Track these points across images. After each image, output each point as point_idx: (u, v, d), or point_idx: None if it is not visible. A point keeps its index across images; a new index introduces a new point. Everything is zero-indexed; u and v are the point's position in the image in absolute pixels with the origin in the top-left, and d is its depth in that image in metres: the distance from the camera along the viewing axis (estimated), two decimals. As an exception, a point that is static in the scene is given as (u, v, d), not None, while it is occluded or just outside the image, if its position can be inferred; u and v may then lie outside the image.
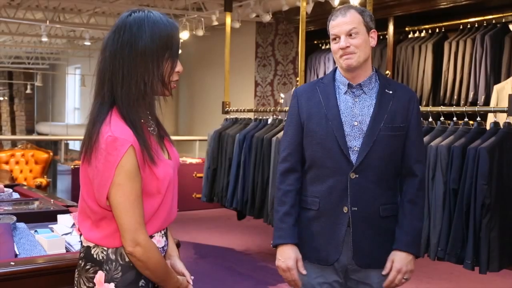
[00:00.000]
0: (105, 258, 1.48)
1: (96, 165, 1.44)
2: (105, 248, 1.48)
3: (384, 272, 1.94)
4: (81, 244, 1.57)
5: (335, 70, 2.04)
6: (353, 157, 1.92)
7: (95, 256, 1.49)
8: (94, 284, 1.48)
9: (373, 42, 1.97)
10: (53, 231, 2.29)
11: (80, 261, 1.54)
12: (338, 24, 1.93)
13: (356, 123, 1.93)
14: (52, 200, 3.02)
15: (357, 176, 1.91)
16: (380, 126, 1.92)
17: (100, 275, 1.48)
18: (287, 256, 1.97)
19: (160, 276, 1.52)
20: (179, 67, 1.53)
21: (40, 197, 3.19)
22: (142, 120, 1.50)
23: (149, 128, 1.52)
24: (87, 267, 1.51)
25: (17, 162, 6.62)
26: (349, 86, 1.97)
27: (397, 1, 5.79)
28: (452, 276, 4.44)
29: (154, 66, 1.46)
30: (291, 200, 2.00)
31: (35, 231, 2.26)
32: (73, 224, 2.32)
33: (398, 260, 1.93)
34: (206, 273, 4.56)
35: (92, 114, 1.49)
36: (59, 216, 2.40)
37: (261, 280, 4.36)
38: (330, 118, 1.94)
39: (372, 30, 1.97)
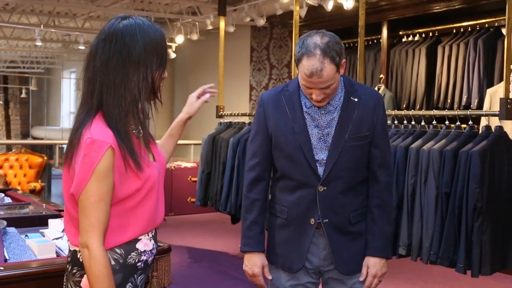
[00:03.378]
0: None
1: (74, 167, 1.45)
2: None
3: (361, 279, 1.99)
4: (68, 248, 1.57)
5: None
6: (321, 170, 1.92)
7: (81, 260, 1.48)
8: None
9: (342, 71, 1.88)
10: (43, 236, 2.28)
11: (68, 265, 1.54)
12: (313, 83, 1.82)
13: (322, 136, 1.93)
14: (44, 205, 3.02)
15: (325, 188, 1.92)
16: (345, 138, 1.91)
17: (86, 279, 1.47)
18: (253, 263, 2.01)
19: (107, 285, 1.45)
20: (165, 74, 1.55)
21: (32, 201, 3.19)
22: (132, 126, 1.50)
23: (133, 131, 1.53)
24: (74, 271, 1.51)
25: (11, 167, 6.61)
26: None
27: (391, 5, 5.81)
28: (446, 279, 4.44)
29: (147, 75, 1.48)
30: (258, 209, 2.02)
31: (26, 235, 2.26)
32: (64, 229, 2.31)
33: (372, 265, 1.98)
34: (200, 277, 4.55)
35: (78, 120, 1.49)
36: (50, 221, 2.40)
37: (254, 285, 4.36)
38: (297, 132, 1.92)
39: (342, 62, 1.85)
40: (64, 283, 1.55)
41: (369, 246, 1.99)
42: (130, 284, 1.51)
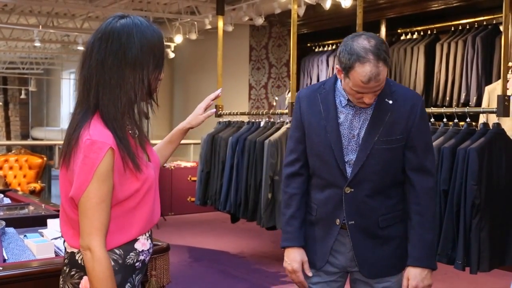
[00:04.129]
0: None
1: (73, 168, 1.43)
2: None
3: None
4: (65, 250, 1.56)
5: (336, 77, 1.94)
6: (349, 171, 1.89)
7: (79, 261, 1.48)
8: None
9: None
10: (42, 236, 2.29)
11: (65, 267, 1.53)
12: (369, 87, 1.77)
13: (353, 136, 1.89)
14: (43, 205, 3.02)
15: (352, 190, 1.89)
16: (374, 140, 1.86)
17: (85, 280, 1.47)
18: (293, 259, 1.98)
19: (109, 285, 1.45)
20: (161, 75, 1.53)
21: (32, 202, 3.19)
22: (128, 127, 1.50)
23: (130, 132, 1.52)
24: (72, 272, 1.50)
25: (10, 167, 6.61)
26: (349, 100, 1.90)
27: (389, 4, 5.82)
28: (445, 276, 4.45)
29: (143, 76, 1.46)
30: (296, 203, 1.99)
31: (24, 235, 2.26)
32: (63, 229, 2.32)
33: (413, 276, 1.88)
34: (200, 276, 4.55)
35: (75, 120, 1.47)
36: (49, 221, 2.40)
37: (255, 283, 4.36)
38: (329, 131, 1.90)
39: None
40: (61, 285, 1.54)
41: (410, 256, 1.90)
42: (129, 284, 1.52)
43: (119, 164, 1.43)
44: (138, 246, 1.54)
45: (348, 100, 1.90)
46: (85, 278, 1.47)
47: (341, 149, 1.89)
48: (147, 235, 1.57)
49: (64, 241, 1.56)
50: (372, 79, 1.75)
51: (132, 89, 1.45)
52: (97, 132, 1.42)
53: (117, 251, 1.49)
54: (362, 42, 1.76)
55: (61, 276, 1.55)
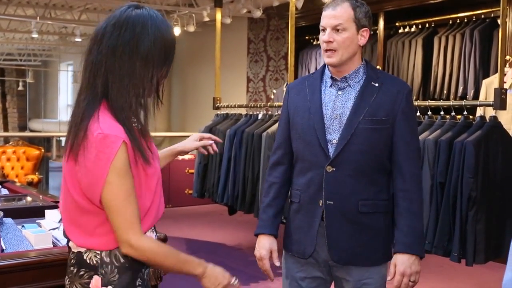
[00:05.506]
0: (99, 262, 1.43)
1: (85, 164, 1.38)
2: (98, 252, 1.43)
3: (389, 278, 1.90)
4: (70, 250, 1.50)
5: (325, 65, 2.01)
6: (331, 150, 1.89)
7: (88, 261, 1.44)
8: None
9: (362, 40, 1.91)
10: (40, 226, 2.30)
11: (72, 268, 1.47)
12: (326, 16, 1.90)
13: (336, 116, 1.91)
14: (41, 196, 3.03)
15: (334, 169, 1.88)
16: (359, 119, 1.87)
17: (96, 280, 1.43)
18: (262, 246, 2.01)
19: (171, 267, 1.47)
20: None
21: (29, 193, 3.20)
22: (133, 120, 1.45)
23: (134, 124, 1.48)
24: (81, 273, 1.45)
25: (8, 159, 6.61)
26: (333, 79, 1.96)
27: (387, -4, 5.81)
28: (442, 269, 4.47)
29: (153, 72, 1.43)
30: (274, 193, 2.02)
31: (22, 226, 2.27)
32: (61, 219, 2.32)
33: (400, 262, 1.87)
34: (198, 268, 4.57)
35: (80, 108, 1.42)
36: (47, 212, 2.41)
37: (252, 275, 4.38)
38: (312, 112, 1.93)
39: (364, 29, 1.90)
40: (68, 286, 1.49)
41: (397, 242, 1.89)
42: (139, 279, 1.48)
43: (132, 157, 1.40)
44: None
45: (333, 79, 1.95)
46: (95, 277, 1.44)
47: (323, 128, 1.91)
48: (153, 228, 1.55)
49: (69, 241, 1.50)
50: (330, 6, 1.89)
51: (141, 83, 1.41)
52: (107, 125, 1.38)
53: None
54: None
55: (67, 277, 1.50)
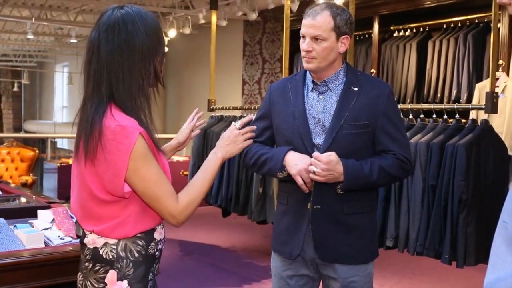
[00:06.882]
0: (115, 256, 1.49)
1: (105, 157, 1.44)
2: (114, 247, 1.49)
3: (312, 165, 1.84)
4: (85, 246, 1.54)
5: None
6: None
7: (104, 256, 1.49)
8: (106, 284, 1.49)
9: (343, 48, 1.91)
10: (32, 226, 2.30)
11: (87, 263, 1.52)
12: (306, 25, 1.89)
13: (318, 121, 1.93)
14: (34, 197, 3.03)
15: None
16: (340, 124, 1.89)
17: (112, 274, 1.48)
18: (293, 163, 1.88)
19: (210, 184, 1.62)
20: (164, 59, 1.58)
21: (23, 193, 3.20)
22: (141, 113, 1.52)
23: (143, 117, 1.54)
24: (97, 267, 1.50)
25: (2, 160, 6.60)
26: (314, 83, 1.97)
27: (382, 0, 5.83)
28: (434, 271, 4.49)
29: (150, 61, 1.50)
30: (260, 149, 2.01)
31: (15, 226, 2.27)
32: (53, 220, 2.33)
33: (334, 158, 1.82)
34: (191, 269, 4.58)
35: (88, 114, 1.47)
36: (39, 212, 2.42)
37: (245, 277, 4.39)
38: (297, 116, 1.94)
39: (344, 36, 1.90)
40: (81, 282, 1.54)
41: (348, 161, 1.85)
42: (151, 274, 1.54)
43: (152, 147, 1.48)
44: (157, 235, 1.56)
45: (314, 83, 1.96)
46: (111, 272, 1.48)
47: (309, 132, 1.92)
48: (162, 224, 1.60)
49: (84, 238, 1.54)
50: (309, 15, 1.88)
51: (140, 75, 1.49)
52: (123, 118, 1.45)
53: (139, 242, 1.51)
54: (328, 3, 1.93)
55: (80, 273, 1.55)
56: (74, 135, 1.54)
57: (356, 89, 1.93)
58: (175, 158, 7.47)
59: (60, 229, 2.27)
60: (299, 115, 1.94)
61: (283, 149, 1.95)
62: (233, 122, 1.74)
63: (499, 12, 3.51)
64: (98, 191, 1.47)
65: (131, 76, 1.47)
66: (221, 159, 1.65)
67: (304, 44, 1.91)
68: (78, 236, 1.59)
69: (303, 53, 1.93)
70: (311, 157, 1.87)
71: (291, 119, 1.96)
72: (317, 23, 1.87)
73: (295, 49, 6.93)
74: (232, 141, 1.68)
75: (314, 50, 1.89)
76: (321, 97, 1.95)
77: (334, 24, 1.87)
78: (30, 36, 8.61)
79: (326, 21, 1.87)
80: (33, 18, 7.95)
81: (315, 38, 1.88)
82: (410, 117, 3.34)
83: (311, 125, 1.93)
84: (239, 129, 1.71)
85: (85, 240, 1.53)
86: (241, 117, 4.87)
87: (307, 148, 1.91)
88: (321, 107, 1.94)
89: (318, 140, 1.92)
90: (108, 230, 1.49)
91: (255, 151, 2.02)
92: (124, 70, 1.46)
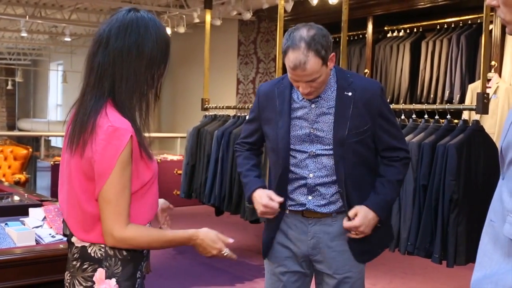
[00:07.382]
0: (103, 255, 1.48)
1: (92, 157, 1.43)
2: (103, 245, 1.48)
3: (345, 220, 1.93)
4: (72, 245, 1.54)
5: None
6: (309, 162, 1.95)
7: (92, 254, 1.49)
8: (94, 283, 1.48)
9: (332, 65, 1.90)
10: (24, 224, 2.30)
11: (75, 262, 1.52)
12: (298, 75, 1.84)
13: (312, 130, 1.94)
14: (26, 195, 3.03)
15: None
16: (345, 134, 1.91)
17: (100, 272, 1.48)
18: (260, 196, 1.96)
19: (159, 248, 1.57)
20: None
21: (15, 191, 3.19)
22: (137, 116, 1.52)
23: (137, 120, 1.54)
24: (85, 266, 1.50)
25: (-5, 158, 6.57)
26: None
27: (376, 1, 5.85)
28: (425, 271, 4.52)
29: (154, 69, 1.51)
30: (251, 161, 2.12)
31: (6, 224, 2.27)
32: (44, 218, 2.33)
33: (364, 214, 1.90)
34: (184, 268, 4.58)
35: (86, 106, 1.47)
36: (31, 210, 2.41)
37: (238, 276, 4.40)
38: (280, 126, 1.96)
39: (330, 57, 1.86)
40: (68, 280, 1.53)
41: (370, 200, 1.93)
42: (139, 272, 1.55)
43: (136, 152, 1.46)
44: None
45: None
46: (99, 270, 1.48)
47: (289, 143, 1.94)
48: (149, 223, 1.60)
49: (71, 236, 1.53)
50: (298, 67, 1.81)
51: (145, 82, 1.49)
52: (117, 119, 1.44)
53: None
54: (301, 31, 1.82)
55: (67, 272, 1.55)
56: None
57: (350, 93, 1.92)
58: (169, 157, 7.47)
59: (51, 227, 2.27)
60: (283, 124, 1.95)
61: (252, 184, 2.01)
62: (226, 253, 1.68)
63: (491, 13, 3.53)
64: (81, 189, 1.47)
65: (136, 78, 1.47)
66: (189, 244, 1.61)
67: (301, 88, 1.89)
68: (65, 235, 1.58)
69: (300, 90, 1.91)
70: (288, 171, 1.94)
71: (275, 128, 1.97)
72: (308, 71, 1.82)
73: (289, 49, 6.98)
74: (210, 247, 1.64)
75: (312, 87, 1.88)
76: (313, 106, 1.95)
77: (321, 58, 1.83)
78: (24, 34, 8.58)
79: (315, 63, 1.82)
80: (27, 16, 7.92)
81: (311, 80, 1.86)
82: (402, 117, 3.36)
83: (300, 133, 1.95)
84: (224, 252, 1.67)
85: (73, 239, 1.53)
86: (236, 116, 4.88)
87: (288, 157, 1.95)
88: (313, 117, 1.94)
89: (312, 148, 1.94)
90: (96, 237, 1.48)
91: (241, 163, 2.12)
92: (130, 71, 1.46)
